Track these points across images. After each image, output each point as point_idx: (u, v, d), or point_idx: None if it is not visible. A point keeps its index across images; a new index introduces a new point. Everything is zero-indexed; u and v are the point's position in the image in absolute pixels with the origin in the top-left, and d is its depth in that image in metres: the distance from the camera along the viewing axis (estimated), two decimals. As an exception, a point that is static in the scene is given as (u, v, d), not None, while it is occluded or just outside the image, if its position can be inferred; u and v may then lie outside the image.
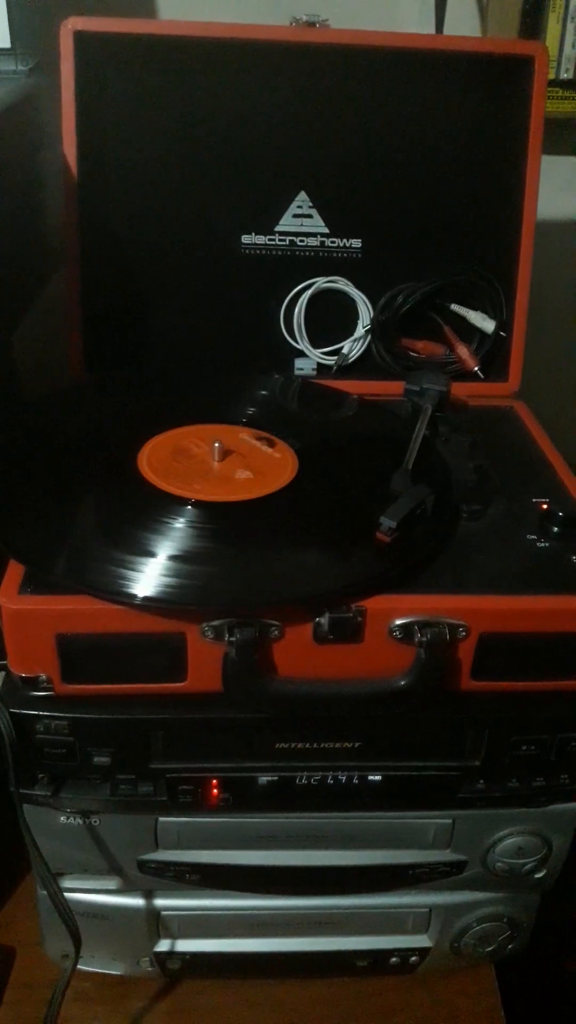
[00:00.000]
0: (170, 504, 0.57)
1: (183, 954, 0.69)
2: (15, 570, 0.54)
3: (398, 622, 0.54)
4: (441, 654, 0.54)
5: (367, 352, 0.80)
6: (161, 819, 0.62)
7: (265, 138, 0.74)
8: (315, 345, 0.80)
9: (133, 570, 0.52)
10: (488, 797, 0.61)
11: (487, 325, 0.79)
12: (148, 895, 0.67)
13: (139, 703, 0.56)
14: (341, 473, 0.65)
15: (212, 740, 0.58)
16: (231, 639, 0.52)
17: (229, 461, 0.62)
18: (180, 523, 0.56)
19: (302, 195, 0.76)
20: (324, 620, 0.53)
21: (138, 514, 0.57)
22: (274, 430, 0.67)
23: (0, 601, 0.52)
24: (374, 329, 0.79)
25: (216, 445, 0.62)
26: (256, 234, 0.77)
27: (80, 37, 0.70)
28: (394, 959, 0.71)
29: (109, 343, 0.78)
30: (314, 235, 0.77)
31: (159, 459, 0.62)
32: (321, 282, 0.78)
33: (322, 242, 0.77)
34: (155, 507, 0.57)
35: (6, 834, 0.60)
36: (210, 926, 0.69)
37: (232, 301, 0.78)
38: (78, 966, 0.64)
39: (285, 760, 0.59)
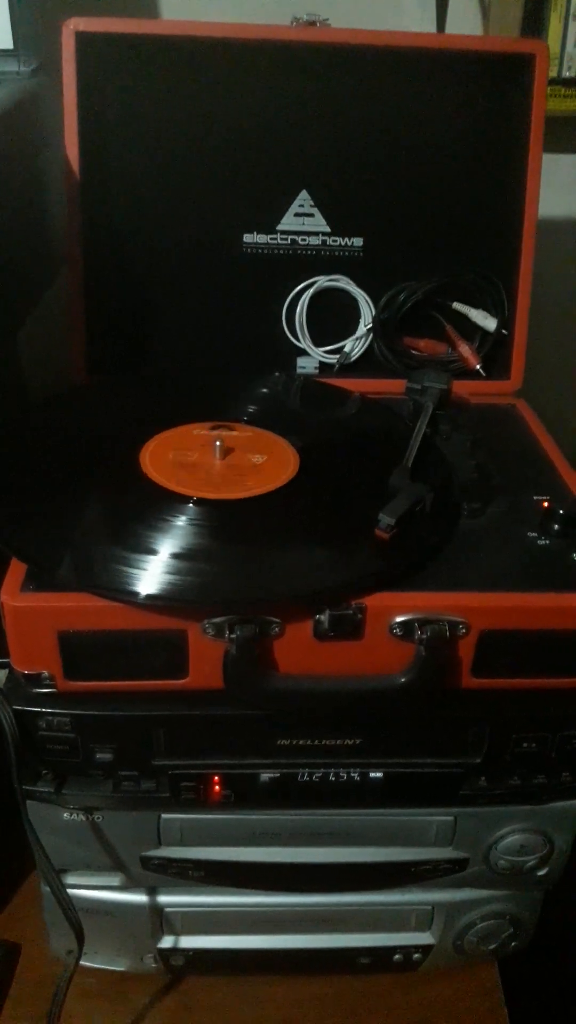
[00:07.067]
0: (171, 502, 0.58)
1: (186, 950, 0.70)
2: (17, 568, 0.54)
3: (398, 619, 0.54)
4: (441, 651, 0.54)
5: (369, 350, 0.80)
6: (164, 816, 0.62)
7: (266, 137, 0.75)
8: (317, 344, 0.80)
9: (134, 568, 0.53)
10: (489, 794, 0.62)
11: (489, 323, 0.79)
12: (151, 891, 0.67)
13: (141, 700, 0.56)
14: (342, 471, 0.65)
15: (214, 737, 0.58)
16: (232, 636, 0.53)
17: (230, 459, 0.63)
18: (181, 521, 0.56)
19: (303, 194, 0.76)
20: (324, 617, 0.53)
21: (139, 512, 0.57)
22: (275, 428, 0.67)
23: (2, 599, 0.52)
24: (376, 327, 0.79)
25: (217, 443, 0.62)
26: (258, 233, 0.77)
27: (82, 38, 0.70)
28: (397, 956, 0.71)
29: (112, 343, 0.78)
30: (316, 234, 0.77)
31: (161, 457, 0.62)
32: (323, 281, 0.78)
33: (324, 241, 0.77)
34: (157, 505, 0.57)
35: (10, 831, 0.61)
36: (213, 922, 0.69)
37: (234, 300, 0.78)
38: (82, 962, 0.64)
39: (287, 757, 0.59)
